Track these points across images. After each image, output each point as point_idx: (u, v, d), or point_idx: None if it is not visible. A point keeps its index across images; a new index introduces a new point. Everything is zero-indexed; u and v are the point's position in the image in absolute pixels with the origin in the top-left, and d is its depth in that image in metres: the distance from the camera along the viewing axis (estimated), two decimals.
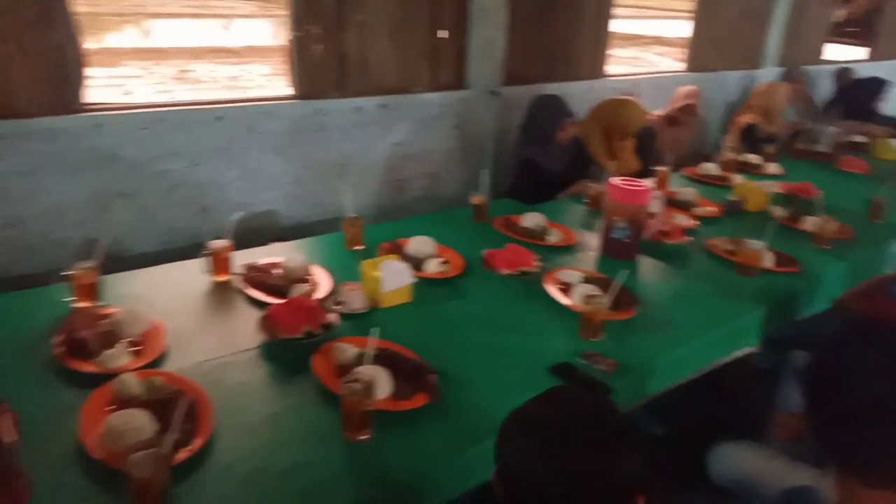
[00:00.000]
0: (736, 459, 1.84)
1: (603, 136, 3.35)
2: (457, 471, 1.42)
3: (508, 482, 1.02)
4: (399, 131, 3.52)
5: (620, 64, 5.24)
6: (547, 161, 3.29)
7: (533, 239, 2.42)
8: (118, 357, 1.59)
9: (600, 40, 4.49)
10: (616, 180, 2.33)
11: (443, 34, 3.57)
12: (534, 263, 2.17)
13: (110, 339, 1.67)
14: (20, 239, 2.53)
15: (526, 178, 3.28)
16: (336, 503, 1.27)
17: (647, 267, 2.36)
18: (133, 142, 2.69)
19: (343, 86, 3.27)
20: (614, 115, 3.33)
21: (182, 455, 1.29)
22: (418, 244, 2.24)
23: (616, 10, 4.52)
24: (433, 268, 2.15)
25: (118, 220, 2.06)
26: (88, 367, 1.56)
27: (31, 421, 1.29)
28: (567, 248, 2.43)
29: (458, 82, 3.73)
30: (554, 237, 2.46)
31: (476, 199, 2.62)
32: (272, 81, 8.03)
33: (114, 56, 8.28)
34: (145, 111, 2.73)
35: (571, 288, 2.03)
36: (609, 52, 4.60)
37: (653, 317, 1.99)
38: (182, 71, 8.26)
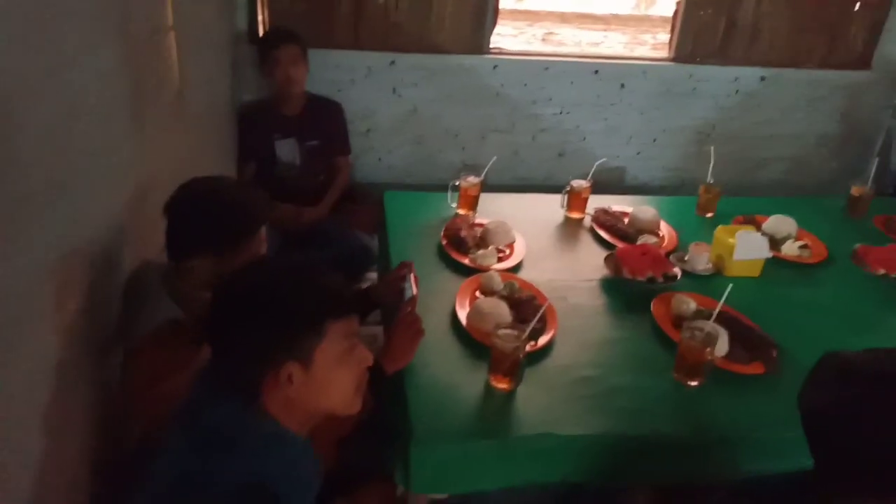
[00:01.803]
0: None
1: None
2: (779, 448, 1.38)
3: (814, 425, 1.00)
4: (774, 107, 3.28)
5: None
6: None
7: None
8: (487, 257, 1.90)
9: None
10: None
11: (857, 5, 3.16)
12: None
13: (482, 242, 1.99)
14: (419, 152, 3.09)
15: None
16: (654, 429, 1.37)
17: None
18: (519, 85, 3.02)
19: (724, 53, 3.15)
20: None
21: (530, 347, 1.51)
22: (778, 223, 2.13)
23: None
24: (791, 250, 2.03)
25: (491, 152, 2.38)
26: (464, 260, 1.90)
27: (421, 287, 1.63)
28: None
29: (861, 62, 3.28)
30: None
31: (856, 190, 2.35)
32: (630, 51, 8.01)
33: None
34: (535, 59, 3.03)
35: None
36: None
37: None
38: (548, 33, 8.73)
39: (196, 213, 1.29)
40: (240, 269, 1.04)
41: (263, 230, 1.34)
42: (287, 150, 2.66)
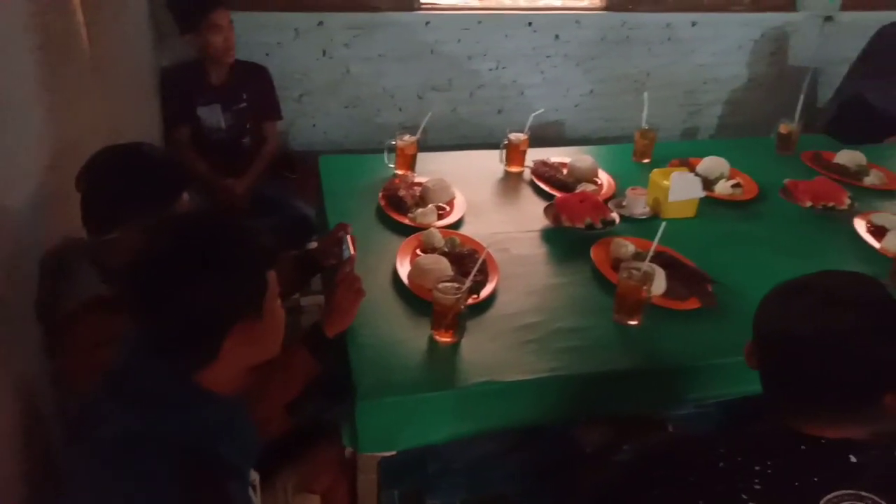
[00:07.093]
0: None
1: None
2: (723, 374, 1.43)
3: (767, 346, 1.01)
4: (707, 52, 3.32)
5: None
6: (881, 100, 2.84)
7: (846, 178, 2.17)
8: (427, 215, 1.88)
9: None
10: None
11: None
12: (845, 200, 1.96)
13: (422, 201, 1.97)
14: (356, 116, 3.02)
15: (851, 115, 2.89)
16: (599, 367, 1.39)
17: None
18: (453, 40, 2.97)
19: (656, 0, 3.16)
20: None
21: (472, 300, 1.51)
22: (711, 163, 2.17)
23: None
24: (723, 189, 2.07)
25: (429, 111, 2.34)
26: (404, 220, 1.87)
27: (361, 248, 1.60)
28: (888, 193, 2.13)
29: (788, 3, 3.35)
30: (873, 179, 2.17)
31: (784, 128, 2.41)
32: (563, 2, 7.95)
33: None
34: (467, 13, 2.98)
35: (887, 232, 1.81)
36: None
37: None
38: None
39: (111, 179, 1.22)
40: (161, 227, 0.94)
41: (186, 196, 1.29)
42: (210, 115, 2.55)
